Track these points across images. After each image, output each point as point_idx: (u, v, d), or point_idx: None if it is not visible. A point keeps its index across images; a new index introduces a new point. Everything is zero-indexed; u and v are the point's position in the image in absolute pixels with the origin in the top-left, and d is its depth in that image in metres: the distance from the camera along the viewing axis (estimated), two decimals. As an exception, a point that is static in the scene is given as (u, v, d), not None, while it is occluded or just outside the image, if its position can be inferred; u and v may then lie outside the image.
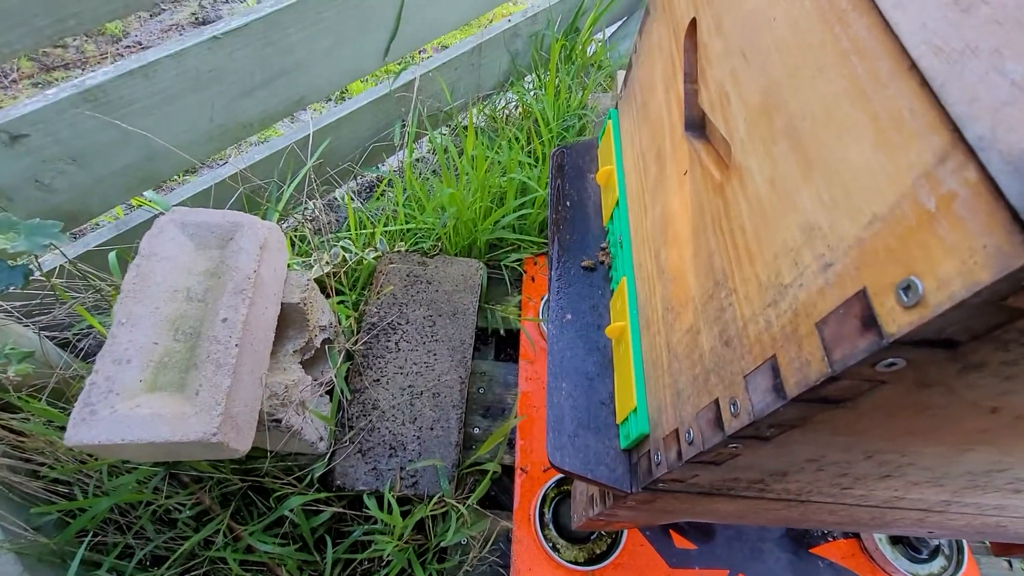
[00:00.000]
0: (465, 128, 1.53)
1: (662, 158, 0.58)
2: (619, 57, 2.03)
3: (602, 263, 0.75)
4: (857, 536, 1.09)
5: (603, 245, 0.76)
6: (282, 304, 0.89)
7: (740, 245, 0.38)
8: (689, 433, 0.43)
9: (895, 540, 1.07)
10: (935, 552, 1.07)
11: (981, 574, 1.07)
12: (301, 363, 0.96)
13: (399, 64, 1.80)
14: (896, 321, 0.23)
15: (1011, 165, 0.18)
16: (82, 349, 1.13)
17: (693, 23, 0.52)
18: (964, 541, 1.07)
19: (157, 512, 0.99)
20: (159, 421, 0.66)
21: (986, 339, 0.22)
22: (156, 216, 0.86)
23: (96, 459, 0.94)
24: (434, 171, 1.74)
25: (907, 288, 0.22)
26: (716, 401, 0.39)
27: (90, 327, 1.10)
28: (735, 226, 0.39)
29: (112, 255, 1.09)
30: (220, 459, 0.97)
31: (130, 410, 0.67)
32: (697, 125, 0.51)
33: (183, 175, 1.83)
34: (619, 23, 2.13)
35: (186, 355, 0.74)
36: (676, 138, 0.54)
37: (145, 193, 1.20)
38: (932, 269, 0.21)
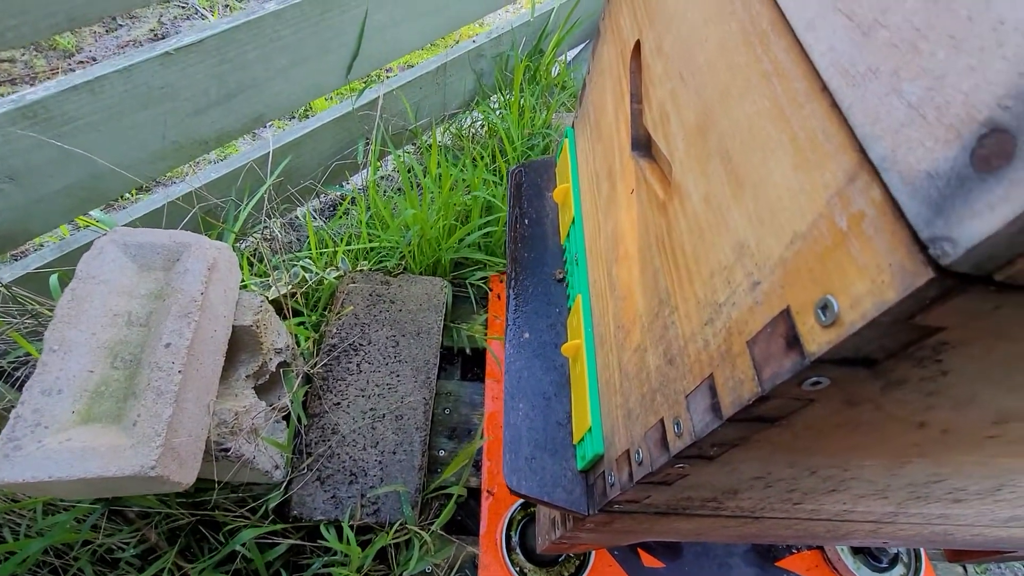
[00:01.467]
0: (430, 147, 1.53)
1: (613, 176, 0.58)
2: (582, 79, 2.07)
3: (560, 281, 0.75)
4: (820, 547, 1.11)
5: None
6: (233, 327, 0.86)
7: (681, 264, 0.38)
8: (639, 454, 0.42)
9: (857, 550, 1.09)
10: (895, 560, 1.08)
11: (939, 580, 1.09)
12: (255, 388, 0.92)
13: (362, 82, 1.80)
14: (816, 340, 0.23)
15: (910, 186, 0.18)
16: (19, 379, 1.06)
17: (638, 45, 0.53)
18: (921, 548, 1.09)
19: (97, 552, 0.93)
20: (91, 455, 0.62)
21: (901, 356, 0.22)
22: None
23: (30, 497, 0.88)
24: (398, 189, 1.73)
25: (824, 307, 0.22)
26: (662, 421, 0.39)
27: (28, 355, 1.03)
28: (676, 245, 0.39)
29: (53, 278, 1.04)
30: (164, 493, 0.91)
31: (59, 444, 0.63)
32: (643, 144, 0.51)
33: (135, 194, 1.77)
34: (581, 46, 2.18)
35: (125, 383, 0.70)
36: (624, 157, 0.54)
37: (92, 212, 1.15)
38: (846, 288, 0.21)
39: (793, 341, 0.24)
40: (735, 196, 0.31)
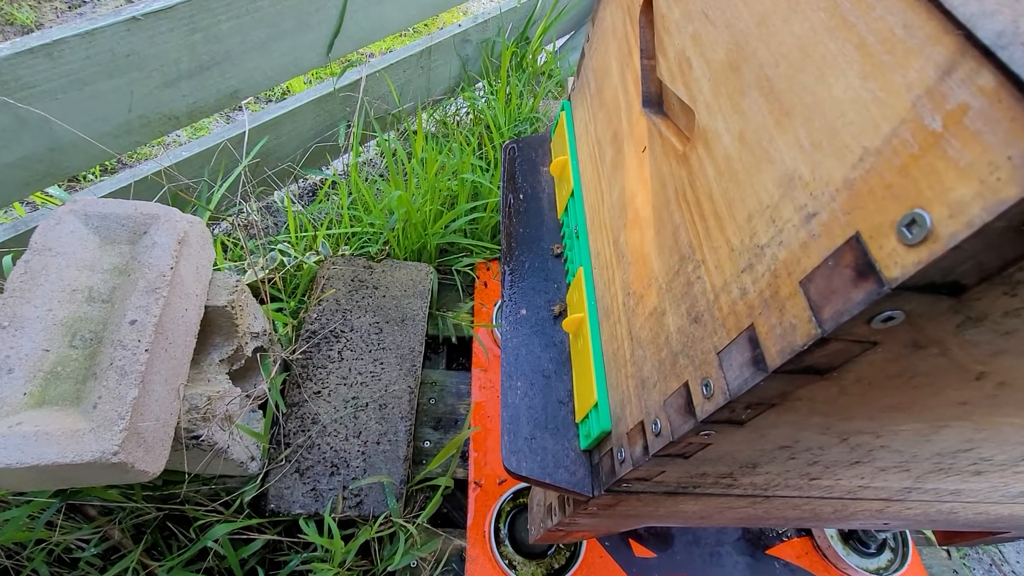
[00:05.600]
0: (415, 132, 1.48)
1: (619, 140, 0.55)
2: (569, 67, 2.05)
3: (558, 256, 0.71)
4: (809, 534, 1.10)
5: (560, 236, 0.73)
6: (206, 307, 0.80)
7: (708, 213, 0.35)
8: (656, 424, 0.39)
9: (846, 537, 1.09)
10: (882, 546, 1.09)
11: (923, 564, 1.10)
12: (229, 374, 0.86)
13: (342, 64, 1.74)
14: (899, 263, 0.20)
15: (1040, 57, 0.15)
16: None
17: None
18: (908, 534, 1.10)
19: (54, 552, 0.86)
20: (45, 441, 0.56)
21: (996, 280, 0.19)
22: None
23: (-24, 493, 0.80)
24: (381, 175, 1.67)
25: (911, 224, 0.19)
26: (686, 384, 0.36)
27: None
28: (701, 194, 0.36)
29: (7, 259, 0.96)
30: (129, 484, 0.85)
31: (9, 429, 0.57)
32: (655, 100, 0.48)
33: (99, 175, 1.67)
34: (568, 36, 2.16)
35: (84, 363, 0.64)
36: (633, 117, 0.51)
37: (49, 189, 1.07)
38: (942, 196, 0.18)
39: (866, 269, 0.21)
40: (780, 126, 0.28)
